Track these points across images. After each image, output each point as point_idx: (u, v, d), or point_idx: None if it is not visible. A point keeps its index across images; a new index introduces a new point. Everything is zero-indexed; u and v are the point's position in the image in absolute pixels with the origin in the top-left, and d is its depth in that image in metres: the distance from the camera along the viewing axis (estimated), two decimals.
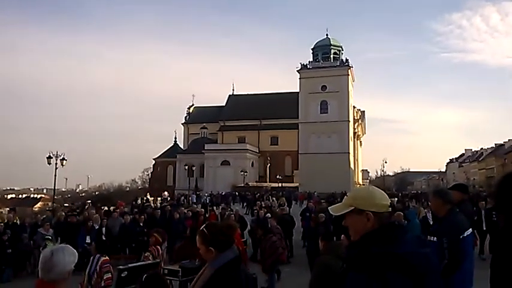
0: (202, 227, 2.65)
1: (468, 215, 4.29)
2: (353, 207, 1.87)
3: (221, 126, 74.72)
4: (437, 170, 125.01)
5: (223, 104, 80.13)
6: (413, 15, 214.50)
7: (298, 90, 69.65)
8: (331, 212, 2.04)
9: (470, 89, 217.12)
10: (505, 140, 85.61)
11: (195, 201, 32.59)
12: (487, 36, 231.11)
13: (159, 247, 6.76)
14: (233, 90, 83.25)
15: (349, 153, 66.43)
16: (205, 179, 64.80)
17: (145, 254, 6.63)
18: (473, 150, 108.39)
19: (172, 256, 12.43)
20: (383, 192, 1.95)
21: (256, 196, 37.33)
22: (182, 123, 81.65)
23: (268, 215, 12.04)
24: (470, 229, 3.83)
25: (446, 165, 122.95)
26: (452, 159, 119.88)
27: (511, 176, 1.85)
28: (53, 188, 32.95)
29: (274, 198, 29.12)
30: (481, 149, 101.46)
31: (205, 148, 66.19)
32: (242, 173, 58.41)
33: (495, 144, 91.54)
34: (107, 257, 5.76)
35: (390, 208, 1.90)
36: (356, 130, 75.42)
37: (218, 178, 62.27)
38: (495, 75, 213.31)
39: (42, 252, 2.43)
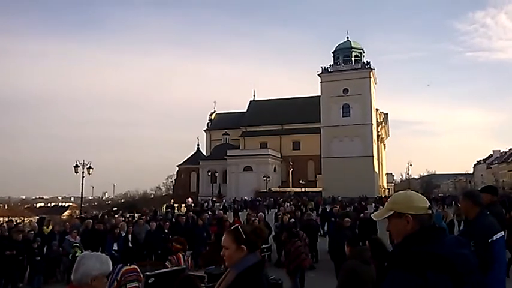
0: (236, 225, 2.67)
1: (499, 218, 4.15)
2: (393, 212, 1.97)
3: (243, 132, 75.01)
4: (464, 172, 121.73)
5: (245, 110, 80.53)
6: (435, 15, 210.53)
7: (319, 94, 69.44)
8: (373, 218, 2.18)
9: (496, 88, 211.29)
10: None
11: (221, 208, 32.44)
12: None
13: (180, 255, 6.80)
14: (254, 95, 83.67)
15: (372, 156, 65.62)
16: (228, 185, 65.08)
17: (166, 263, 6.68)
18: (501, 151, 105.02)
19: (198, 262, 12.52)
20: (421, 195, 2.03)
21: (279, 201, 37.19)
22: (204, 130, 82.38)
23: (292, 220, 11.98)
24: (502, 232, 3.67)
25: (473, 167, 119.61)
26: (480, 160, 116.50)
27: None
28: (80, 196, 33.69)
29: (288, 204, 29.11)
30: (510, 149, 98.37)
31: (228, 154, 66.51)
32: (265, 178, 58.45)
33: None
34: (133, 266, 5.78)
35: (430, 210, 1.98)
36: (379, 133, 74.41)
37: (241, 184, 62.44)
38: None
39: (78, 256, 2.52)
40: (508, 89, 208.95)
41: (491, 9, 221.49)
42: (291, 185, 62.01)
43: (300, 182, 57.24)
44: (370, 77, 67.65)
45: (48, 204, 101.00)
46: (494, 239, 3.52)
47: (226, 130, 74.43)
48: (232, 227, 2.66)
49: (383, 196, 51.49)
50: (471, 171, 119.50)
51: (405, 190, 2.21)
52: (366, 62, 69.45)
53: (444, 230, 2.08)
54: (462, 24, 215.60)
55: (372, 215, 2.24)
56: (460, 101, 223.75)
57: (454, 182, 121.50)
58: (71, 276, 2.45)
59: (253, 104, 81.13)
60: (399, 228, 1.95)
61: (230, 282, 2.44)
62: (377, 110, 72.94)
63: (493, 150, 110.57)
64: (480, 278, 1.99)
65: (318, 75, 69.69)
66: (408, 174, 68.81)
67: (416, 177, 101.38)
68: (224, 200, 51.26)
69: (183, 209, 33.30)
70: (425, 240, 1.84)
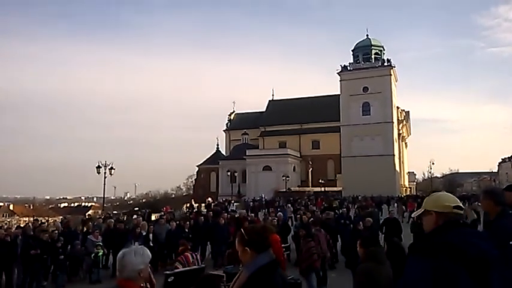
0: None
1: None
2: (423, 209, 2.27)
3: (262, 131, 75.02)
4: (488, 171, 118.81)
5: (264, 110, 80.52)
6: (456, 10, 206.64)
7: (339, 93, 68.84)
8: (412, 216, 2.73)
9: None
10: None
11: (234, 208, 32.19)
12: None
13: (187, 254, 6.86)
14: (273, 95, 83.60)
15: (394, 155, 64.68)
16: (247, 185, 65.16)
17: (175, 264, 6.73)
18: None
19: (218, 261, 12.59)
20: (452, 196, 2.29)
21: (298, 201, 37.05)
22: (224, 130, 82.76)
23: (312, 219, 11.93)
24: None
25: (498, 165, 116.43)
26: (505, 158, 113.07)
27: None
28: (102, 196, 34.27)
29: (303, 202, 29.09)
30: None
31: (247, 154, 66.62)
32: (284, 177, 58.25)
33: None
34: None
35: (457, 210, 2.18)
36: (400, 131, 73.31)
37: (260, 183, 62.38)
38: None
39: (117, 256, 2.64)
40: None
41: None
42: (310, 185, 61.71)
43: (320, 181, 56.86)
44: (391, 75, 66.67)
45: (72, 205, 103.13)
46: None
47: (245, 130, 74.58)
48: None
49: (403, 196, 50.68)
50: (496, 170, 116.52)
51: (441, 192, 2.50)
52: (386, 60, 68.49)
53: (466, 224, 2.25)
54: (485, 19, 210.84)
55: (413, 214, 2.52)
56: (484, 97, 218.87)
57: (478, 181, 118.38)
58: (118, 274, 2.60)
59: (272, 103, 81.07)
60: (427, 223, 2.23)
61: (243, 283, 2.44)
62: (398, 108, 71.86)
63: None
64: (508, 274, 2.20)
65: (338, 73, 69.09)
66: (430, 173, 67.52)
67: (439, 175, 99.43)
68: (245, 199, 51.41)
69: (203, 209, 33.48)
70: (444, 232, 2.06)
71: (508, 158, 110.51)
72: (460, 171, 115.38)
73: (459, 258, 1.90)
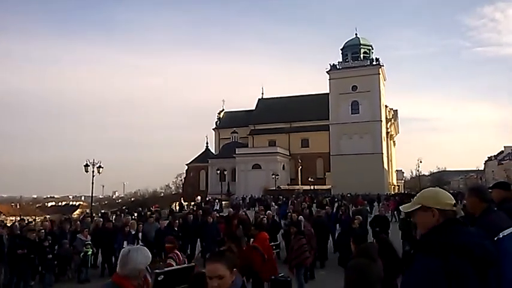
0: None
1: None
2: (420, 205, 2.18)
3: (251, 130, 75.06)
4: (475, 169, 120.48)
5: (253, 108, 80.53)
6: (443, 10, 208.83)
7: (328, 92, 69.17)
8: (402, 210, 2.42)
9: (507, 83, 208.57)
10: None
11: (218, 208, 31.88)
12: None
13: (178, 252, 6.83)
14: (262, 93, 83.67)
15: (382, 153, 65.25)
16: (237, 183, 65.15)
17: (168, 261, 6.70)
18: None
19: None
20: (447, 193, 2.26)
21: (284, 200, 37.09)
22: (213, 129, 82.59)
23: (301, 217, 11.97)
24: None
25: (484, 164, 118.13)
26: (491, 157, 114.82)
27: None
28: (90, 195, 33.93)
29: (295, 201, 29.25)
30: None
31: (236, 152, 66.59)
32: (273, 176, 58.33)
33: None
34: None
35: (454, 207, 2.20)
36: (389, 130, 73.96)
37: (250, 182, 62.46)
38: None
39: (122, 250, 2.69)
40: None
41: (501, 3, 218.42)
42: (299, 183, 61.95)
43: (309, 179, 57.09)
44: (379, 74, 67.20)
45: (59, 204, 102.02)
46: (501, 236, 3.20)
47: (234, 128, 74.53)
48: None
49: (390, 194, 51.10)
50: (482, 168, 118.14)
51: (435, 187, 2.43)
52: (374, 59, 69.07)
53: (465, 223, 2.27)
54: (471, 19, 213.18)
55: (400, 207, 2.45)
56: (470, 96, 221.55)
57: (465, 179, 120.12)
58: (118, 269, 2.61)
59: (261, 102, 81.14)
60: (425, 220, 2.16)
61: None
62: (386, 106, 72.47)
63: (505, 146, 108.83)
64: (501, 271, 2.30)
65: (327, 72, 69.45)
66: (418, 171, 68.38)
67: (427, 173, 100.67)
68: (235, 197, 51.39)
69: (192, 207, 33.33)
70: (448, 231, 2.05)
71: (494, 156, 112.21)
72: (447, 169, 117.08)
73: (468, 258, 1.95)
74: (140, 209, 31.51)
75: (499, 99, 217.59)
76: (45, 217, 23.96)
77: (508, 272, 3.24)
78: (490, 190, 4.06)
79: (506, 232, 3.32)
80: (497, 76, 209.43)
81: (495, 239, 3.22)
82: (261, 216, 13.17)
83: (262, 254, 7.07)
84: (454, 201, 2.21)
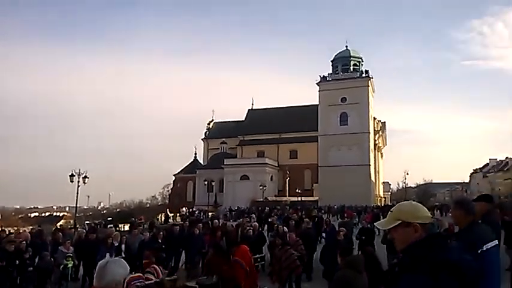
0: None
1: (495, 226, 4.01)
2: (400, 221, 2.10)
3: (240, 140, 75.04)
4: (460, 181, 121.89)
5: (243, 119, 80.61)
6: (432, 24, 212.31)
7: (317, 103, 69.63)
8: (379, 227, 2.38)
9: (493, 96, 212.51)
10: None
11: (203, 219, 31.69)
12: (511, 43, 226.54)
13: (156, 266, 6.74)
14: (252, 104, 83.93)
15: (369, 165, 65.64)
16: (224, 194, 64.90)
17: (146, 275, 6.58)
18: (498, 159, 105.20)
19: (191, 272, 12.35)
20: (423, 206, 2.23)
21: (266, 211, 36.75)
22: (202, 139, 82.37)
23: (285, 229, 11.89)
24: (496, 241, 3.51)
25: (470, 176, 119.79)
26: (476, 169, 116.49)
27: None
28: (75, 205, 33.38)
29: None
30: (506, 158, 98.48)
31: (225, 163, 66.40)
32: (261, 187, 58.25)
33: None
34: (138, 274, 5.82)
35: (431, 219, 2.20)
36: (377, 142, 74.53)
37: (237, 193, 62.26)
38: None
39: (99, 262, 2.64)
40: (504, 97, 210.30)
41: (489, 17, 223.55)
42: (287, 194, 61.87)
43: (297, 190, 57.08)
44: (368, 86, 67.94)
45: (43, 214, 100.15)
46: (485, 249, 3.36)
47: (223, 139, 74.47)
48: None
49: (375, 206, 51.25)
50: (467, 180, 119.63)
51: (409, 201, 2.42)
52: (364, 71, 69.86)
53: (446, 237, 2.33)
54: (459, 32, 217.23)
55: (376, 223, 2.40)
56: (458, 109, 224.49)
57: (451, 191, 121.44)
58: (95, 282, 2.57)
59: (251, 112, 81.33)
60: (406, 236, 2.08)
61: None
62: (374, 118, 73.18)
63: (490, 159, 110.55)
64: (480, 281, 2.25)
65: (317, 83, 69.99)
66: (405, 183, 68.92)
67: (413, 185, 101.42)
68: (222, 208, 51.04)
69: (178, 219, 33.02)
70: (432, 246, 1.99)
71: (480, 168, 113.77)
72: (433, 181, 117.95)
73: (456, 276, 1.93)
74: (133, 219, 31.09)
75: (486, 112, 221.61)
76: (19, 228, 23.41)
77: (491, 284, 3.30)
78: (474, 203, 4.12)
79: (490, 245, 3.42)
80: (484, 89, 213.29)
81: (479, 251, 3.33)
82: (247, 228, 13.03)
83: (245, 268, 6.94)
84: (430, 213, 2.22)
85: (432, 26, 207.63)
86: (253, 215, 28.24)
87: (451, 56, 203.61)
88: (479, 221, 3.72)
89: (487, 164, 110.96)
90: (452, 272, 1.93)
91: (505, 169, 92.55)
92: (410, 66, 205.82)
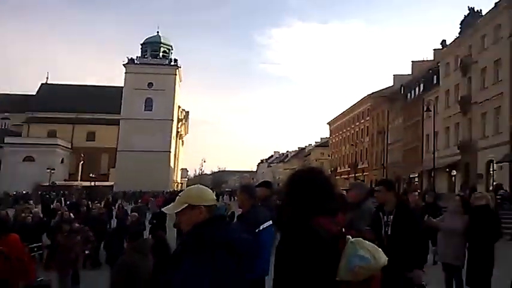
0: None
1: (272, 209, 4.52)
2: (187, 204, 2.19)
3: (28, 117, 65.62)
4: (249, 170, 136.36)
5: (34, 93, 70.85)
6: (241, 27, 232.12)
7: (122, 85, 66.95)
8: (166, 212, 2.47)
9: (278, 96, 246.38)
10: (306, 144, 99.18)
11: None
12: (293, 52, 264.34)
13: None
14: (47, 78, 74.80)
15: (170, 152, 66.70)
16: (1, 177, 55.62)
17: None
18: (280, 152, 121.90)
19: None
20: (209, 189, 2.37)
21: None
22: None
23: (71, 215, 10.97)
24: (270, 221, 4.01)
25: (257, 165, 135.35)
26: (263, 160, 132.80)
27: (297, 173, 2.05)
28: None
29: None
30: (287, 151, 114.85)
31: (5, 141, 57.46)
32: (49, 170, 52.13)
33: (298, 147, 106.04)
34: None
35: (216, 202, 2.38)
36: (179, 129, 76.22)
37: (18, 176, 54.11)
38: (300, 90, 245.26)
39: None
40: (284, 101, 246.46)
41: (285, 28, 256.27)
42: (79, 179, 57.49)
43: (91, 175, 53.60)
44: (176, 74, 68.84)
45: None
46: (261, 228, 3.82)
47: (6, 114, 64.08)
48: None
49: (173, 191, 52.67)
50: (255, 169, 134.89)
51: (197, 185, 2.45)
52: (173, 59, 70.49)
53: (225, 217, 2.59)
54: (261, 37, 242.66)
55: (163, 209, 2.51)
56: (253, 105, 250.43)
57: (240, 178, 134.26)
58: None
59: (45, 87, 72.13)
60: (192, 218, 2.17)
61: None
62: (179, 107, 74.63)
63: (274, 151, 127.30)
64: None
65: (124, 65, 67.48)
66: (201, 170, 72.73)
67: (209, 173, 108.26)
68: None
69: None
70: (214, 226, 2.13)
71: (266, 159, 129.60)
72: (227, 169, 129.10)
73: (232, 253, 2.09)
74: None
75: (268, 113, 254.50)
76: None
77: (263, 260, 3.73)
78: (256, 188, 4.62)
79: (265, 225, 3.89)
80: (272, 88, 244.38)
81: (256, 231, 3.73)
82: (23, 215, 11.46)
83: (10, 258, 6.00)
84: (215, 197, 2.42)
85: (240, 29, 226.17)
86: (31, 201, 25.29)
87: (252, 57, 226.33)
88: (260, 204, 4.16)
89: (272, 156, 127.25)
90: (228, 251, 2.08)
91: (285, 160, 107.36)
92: (218, 62, 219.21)
